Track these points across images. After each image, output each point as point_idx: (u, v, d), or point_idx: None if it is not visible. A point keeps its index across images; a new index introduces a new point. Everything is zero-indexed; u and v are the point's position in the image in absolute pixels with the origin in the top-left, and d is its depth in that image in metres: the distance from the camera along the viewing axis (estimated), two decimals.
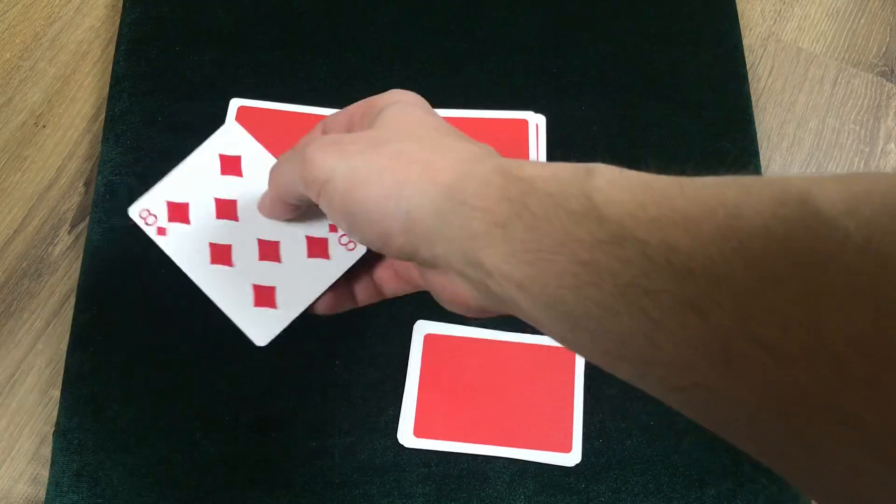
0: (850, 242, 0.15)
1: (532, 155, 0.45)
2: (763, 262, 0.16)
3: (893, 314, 0.15)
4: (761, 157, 0.46)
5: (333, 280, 0.29)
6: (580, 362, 0.41)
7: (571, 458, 0.39)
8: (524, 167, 0.22)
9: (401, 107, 0.27)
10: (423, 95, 0.49)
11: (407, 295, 0.41)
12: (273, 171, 0.29)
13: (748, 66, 0.48)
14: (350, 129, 0.29)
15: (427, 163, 0.24)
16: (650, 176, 0.20)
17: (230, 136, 0.31)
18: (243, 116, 0.45)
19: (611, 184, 0.20)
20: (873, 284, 0.15)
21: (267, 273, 0.29)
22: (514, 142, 0.45)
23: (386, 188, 0.24)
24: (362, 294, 0.32)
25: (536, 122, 0.45)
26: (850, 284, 0.15)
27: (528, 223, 0.21)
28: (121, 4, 0.48)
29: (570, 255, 0.20)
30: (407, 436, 0.39)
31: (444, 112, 0.46)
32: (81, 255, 0.42)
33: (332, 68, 0.46)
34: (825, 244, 0.16)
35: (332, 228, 0.30)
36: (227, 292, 0.29)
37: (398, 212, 0.24)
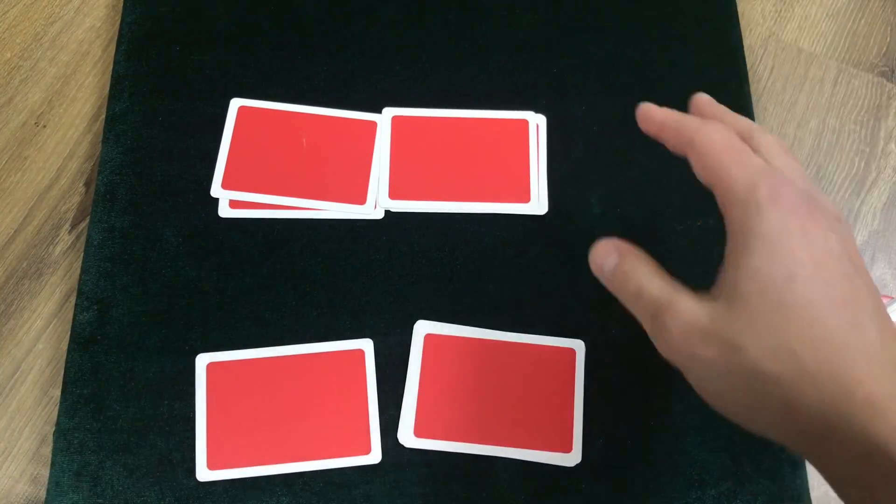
0: None
1: (532, 155, 0.45)
2: None
3: None
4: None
5: None
6: (580, 362, 0.41)
7: (571, 458, 0.39)
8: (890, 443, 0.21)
9: (787, 223, 0.26)
10: (422, 95, 0.49)
11: (410, 295, 0.42)
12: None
13: (748, 66, 0.48)
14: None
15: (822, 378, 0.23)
16: None
17: None
18: (243, 116, 0.45)
19: None
20: None
21: None
22: (515, 142, 0.45)
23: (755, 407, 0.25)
24: None
25: (537, 123, 0.45)
26: None
27: None
28: (121, 4, 0.48)
29: None
30: (407, 436, 0.39)
31: (444, 112, 0.46)
32: (82, 255, 0.42)
33: (332, 68, 0.47)
34: None
35: None
36: None
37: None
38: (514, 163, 0.44)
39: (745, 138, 0.29)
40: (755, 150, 0.29)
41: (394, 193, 0.43)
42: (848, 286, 0.24)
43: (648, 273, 0.29)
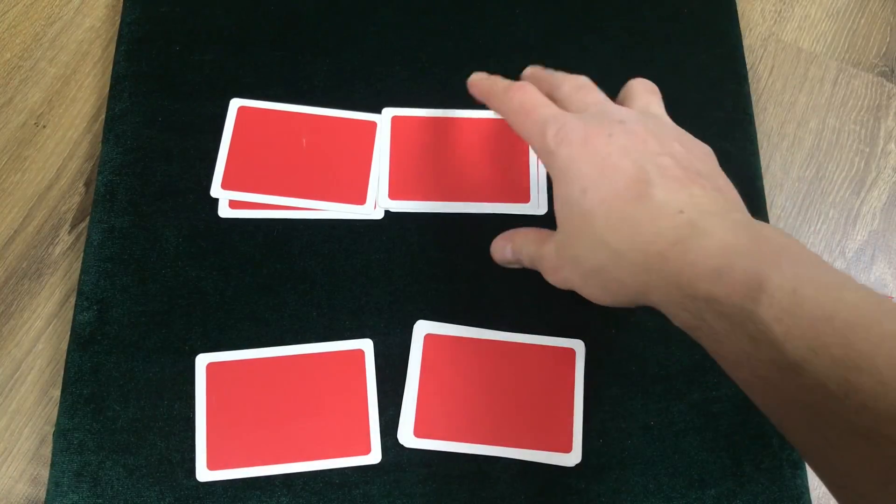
0: None
1: (532, 155, 0.44)
2: None
3: None
4: (761, 157, 0.46)
5: None
6: (580, 362, 0.41)
7: (571, 458, 0.39)
8: (698, 280, 0.26)
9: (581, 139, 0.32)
10: (422, 95, 0.49)
11: (410, 295, 0.42)
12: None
13: (748, 66, 0.48)
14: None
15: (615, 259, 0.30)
16: (831, 302, 0.22)
17: None
18: (243, 116, 0.45)
19: (790, 314, 0.22)
20: None
21: None
22: (516, 142, 0.45)
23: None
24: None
25: None
26: None
27: (709, 336, 0.26)
28: (121, 4, 0.48)
29: (751, 371, 0.24)
30: (407, 436, 0.39)
31: (444, 113, 0.46)
32: (81, 256, 0.42)
33: (332, 68, 0.47)
34: None
35: None
36: None
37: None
38: (514, 163, 0.44)
39: (552, 90, 0.36)
40: (559, 100, 0.35)
41: (394, 193, 0.43)
42: (632, 169, 0.29)
43: (527, 242, 0.37)
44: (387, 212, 0.43)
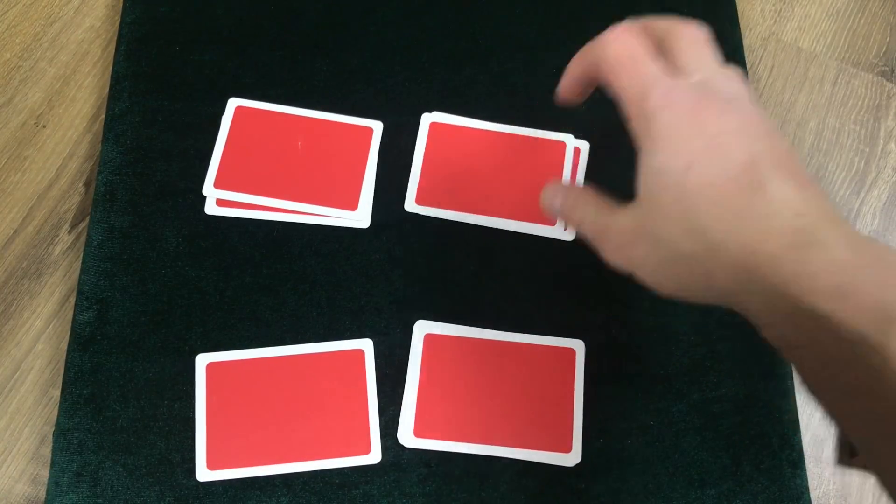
0: None
1: (566, 180, 0.44)
2: None
3: None
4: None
5: None
6: (580, 362, 0.41)
7: (571, 458, 0.39)
8: (817, 296, 0.24)
9: (689, 108, 0.28)
10: (422, 95, 0.49)
11: (410, 294, 0.42)
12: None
13: (748, 66, 0.48)
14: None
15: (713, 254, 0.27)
16: None
17: None
18: (240, 116, 0.45)
19: None
20: None
21: None
22: (549, 165, 0.44)
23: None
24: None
25: (576, 146, 0.45)
26: None
27: (815, 357, 0.25)
28: (121, 4, 0.48)
29: (864, 404, 0.23)
30: (407, 436, 0.39)
31: (482, 125, 0.45)
32: (81, 255, 0.42)
33: (332, 68, 0.47)
34: None
35: None
36: None
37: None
38: (544, 184, 0.44)
39: (660, 40, 0.32)
40: (668, 51, 0.31)
41: (420, 199, 0.43)
42: (745, 155, 0.26)
43: (587, 203, 0.33)
44: (410, 213, 0.43)
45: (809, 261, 0.24)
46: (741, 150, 0.26)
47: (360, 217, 0.43)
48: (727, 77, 0.30)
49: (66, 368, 0.40)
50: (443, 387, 0.40)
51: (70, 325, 0.41)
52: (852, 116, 0.49)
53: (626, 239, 0.30)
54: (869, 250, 0.24)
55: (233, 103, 0.45)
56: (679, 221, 0.27)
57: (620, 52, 0.30)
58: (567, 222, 0.35)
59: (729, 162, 0.26)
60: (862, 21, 0.51)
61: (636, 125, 0.29)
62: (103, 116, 0.45)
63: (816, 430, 0.42)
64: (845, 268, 0.24)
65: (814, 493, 0.40)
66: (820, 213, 0.25)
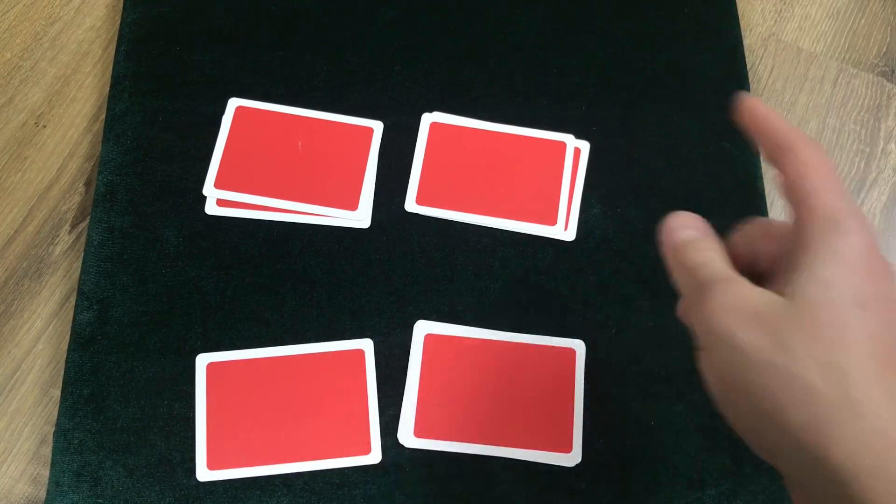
0: None
1: (566, 180, 0.44)
2: None
3: None
4: (761, 157, 0.46)
5: None
6: (580, 362, 0.41)
7: (571, 458, 0.39)
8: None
9: (851, 253, 0.24)
10: (422, 95, 0.49)
11: (410, 295, 0.42)
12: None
13: (748, 66, 0.48)
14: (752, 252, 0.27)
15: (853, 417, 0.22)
16: None
17: None
18: (240, 116, 0.45)
19: None
20: None
21: None
22: (550, 165, 0.44)
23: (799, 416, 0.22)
24: None
25: (576, 146, 0.45)
26: None
27: None
28: (121, 4, 0.48)
29: None
30: (407, 436, 0.39)
31: (482, 125, 0.45)
32: (82, 255, 0.42)
33: (332, 68, 0.47)
34: None
35: None
36: None
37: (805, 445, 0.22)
38: (545, 184, 0.44)
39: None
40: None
41: (420, 199, 0.43)
42: None
43: (718, 254, 0.27)
44: (410, 213, 0.43)
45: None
46: None
47: (360, 217, 0.43)
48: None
49: (67, 368, 0.40)
50: (443, 387, 0.40)
51: (70, 325, 0.41)
52: (852, 117, 0.49)
53: (744, 310, 0.24)
54: None
55: (233, 103, 0.45)
56: (825, 347, 0.22)
57: (829, 165, 0.26)
58: (677, 259, 0.28)
59: (892, 330, 0.23)
60: (862, 21, 0.51)
61: (819, 228, 0.24)
62: (103, 116, 0.45)
63: None
64: None
65: None
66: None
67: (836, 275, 0.23)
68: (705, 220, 0.29)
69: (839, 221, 0.24)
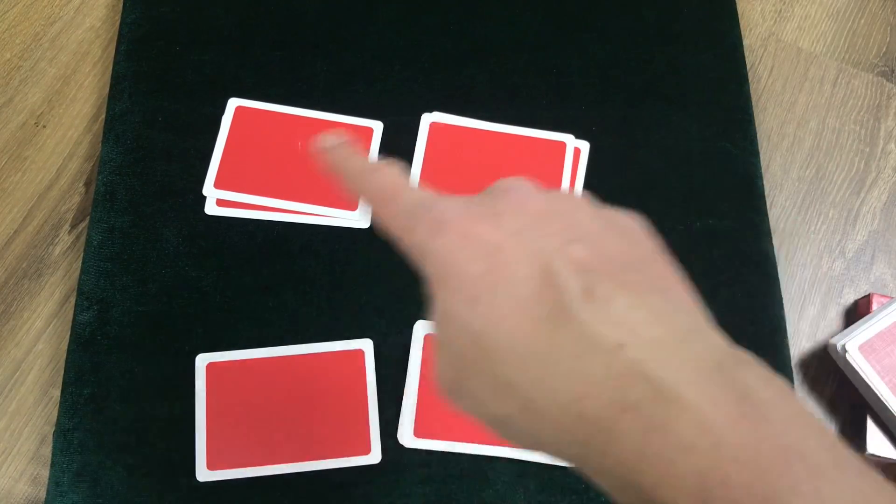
0: None
1: (566, 180, 0.44)
2: None
3: None
4: (761, 157, 0.46)
5: None
6: None
7: None
8: (672, 493, 0.17)
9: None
10: (422, 95, 0.49)
11: (410, 295, 0.42)
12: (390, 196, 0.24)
13: (748, 66, 0.48)
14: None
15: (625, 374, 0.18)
16: None
17: None
18: (240, 116, 0.45)
19: None
20: None
21: None
22: (551, 162, 0.45)
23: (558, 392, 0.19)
24: None
25: (576, 147, 0.45)
26: None
27: None
28: (121, 4, 0.48)
29: None
30: (407, 436, 0.39)
31: (482, 125, 0.45)
32: (82, 255, 0.42)
33: (332, 68, 0.47)
34: None
35: None
36: None
37: (566, 416, 0.19)
38: (545, 182, 0.44)
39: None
40: None
41: None
42: (534, 265, 0.20)
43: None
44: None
45: (651, 435, 0.17)
46: (528, 262, 0.20)
47: (360, 217, 0.43)
48: (512, 179, 0.23)
49: (67, 368, 0.40)
50: None
51: (70, 325, 0.41)
52: (852, 117, 0.49)
53: (440, 385, 0.22)
54: (733, 389, 0.17)
55: (233, 103, 0.45)
56: (481, 375, 0.20)
57: (380, 185, 0.24)
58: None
59: (518, 283, 0.19)
60: (862, 21, 0.51)
61: (419, 266, 0.22)
62: (103, 116, 0.45)
63: None
64: (707, 441, 0.17)
65: None
66: (653, 332, 0.18)
67: (440, 299, 0.21)
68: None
69: (415, 246, 0.22)
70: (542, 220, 0.21)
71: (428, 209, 0.22)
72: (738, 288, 0.42)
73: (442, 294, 0.21)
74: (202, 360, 0.40)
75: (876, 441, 0.40)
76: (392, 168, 0.25)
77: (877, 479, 0.18)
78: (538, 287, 0.19)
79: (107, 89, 0.46)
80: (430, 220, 0.22)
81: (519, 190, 0.22)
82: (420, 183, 0.44)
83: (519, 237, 0.20)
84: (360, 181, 0.25)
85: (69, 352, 0.40)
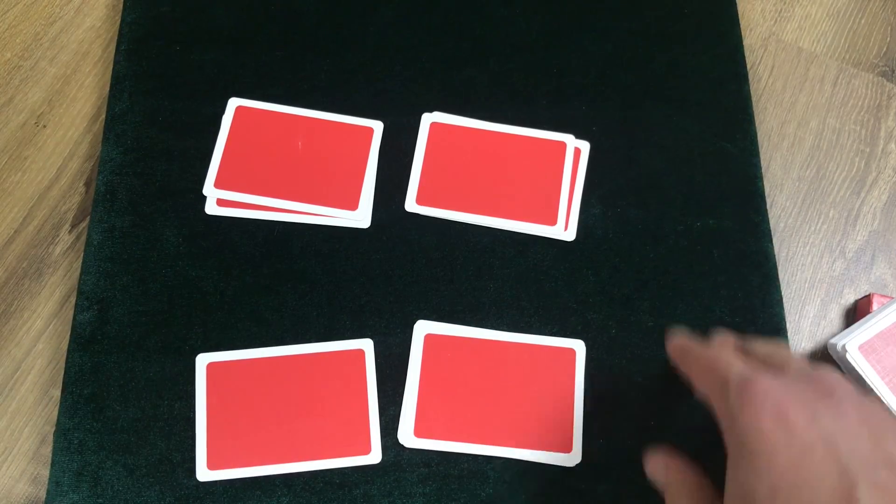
0: None
1: (566, 180, 0.44)
2: None
3: None
4: (761, 157, 0.46)
5: None
6: (580, 362, 0.41)
7: (572, 458, 0.39)
8: None
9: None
10: (422, 95, 0.49)
11: (410, 295, 0.42)
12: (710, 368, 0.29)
13: (748, 66, 0.48)
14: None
15: None
16: None
17: None
18: (240, 116, 0.45)
19: None
20: None
21: None
22: (550, 165, 0.45)
23: None
24: None
25: (576, 147, 0.45)
26: None
27: None
28: (121, 4, 0.48)
29: None
30: (407, 436, 0.39)
31: (482, 125, 0.45)
32: (82, 255, 0.42)
33: (332, 68, 0.47)
34: None
35: None
36: None
37: None
38: (545, 184, 0.44)
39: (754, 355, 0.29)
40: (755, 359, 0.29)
41: (420, 199, 0.43)
42: (836, 476, 0.21)
43: (681, 497, 0.30)
44: (410, 213, 0.43)
45: None
46: (833, 473, 0.21)
47: (360, 217, 0.43)
48: (824, 370, 0.25)
49: (67, 368, 0.40)
50: (443, 387, 0.40)
51: (70, 325, 0.41)
52: (853, 117, 0.49)
53: None
54: None
55: (233, 103, 0.45)
56: None
57: (707, 359, 0.28)
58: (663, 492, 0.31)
59: (819, 490, 0.21)
60: (862, 21, 0.51)
61: (724, 431, 0.25)
62: (104, 116, 0.45)
63: None
64: None
65: None
66: None
67: (742, 474, 0.23)
68: (675, 459, 0.33)
69: (724, 409, 0.25)
70: (855, 433, 0.22)
71: (741, 377, 0.25)
72: (738, 288, 0.42)
73: (745, 468, 0.23)
74: (202, 360, 0.40)
75: None
76: (724, 347, 0.29)
77: None
78: (836, 496, 0.21)
79: (107, 89, 0.46)
80: (742, 388, 0.24)
81: (838, 389, 0.24)
82: (420, 183, 0.44)
83: (832, 445, 0.22)
84: (693, 358, 0.30)
85: (69, 352, 0.40)
